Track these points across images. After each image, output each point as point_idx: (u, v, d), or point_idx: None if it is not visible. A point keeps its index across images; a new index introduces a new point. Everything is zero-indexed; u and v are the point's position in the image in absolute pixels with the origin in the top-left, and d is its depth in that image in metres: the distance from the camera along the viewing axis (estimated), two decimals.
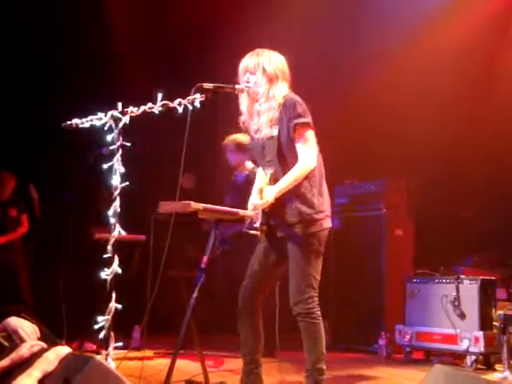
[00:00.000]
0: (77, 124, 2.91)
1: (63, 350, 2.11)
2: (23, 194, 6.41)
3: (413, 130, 6.36)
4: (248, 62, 3.27)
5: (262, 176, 3.31)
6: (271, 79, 3.22)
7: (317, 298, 3.20)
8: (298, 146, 3.19)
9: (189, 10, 6.80)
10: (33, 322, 2.70)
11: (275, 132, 3.23)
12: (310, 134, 3.20)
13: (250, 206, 3.30)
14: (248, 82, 3.24)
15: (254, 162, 5.14)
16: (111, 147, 2.85)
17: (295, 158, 3.19)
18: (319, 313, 3.20)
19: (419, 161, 6.39)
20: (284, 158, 3.24)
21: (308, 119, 3.20)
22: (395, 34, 6.33)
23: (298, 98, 3.23)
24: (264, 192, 3.15)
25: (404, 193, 5.84)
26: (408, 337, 5.08)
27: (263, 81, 3.22)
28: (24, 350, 2.21)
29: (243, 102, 3.31)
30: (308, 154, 3.17)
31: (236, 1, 6.94)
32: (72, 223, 5.75)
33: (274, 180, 3.20)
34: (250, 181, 4.93)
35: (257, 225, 3.26)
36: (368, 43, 6.51)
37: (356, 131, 6.59)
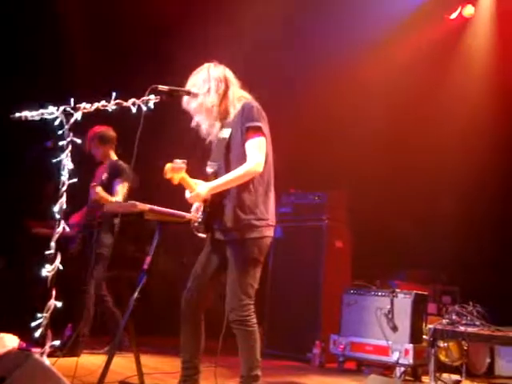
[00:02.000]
0: (26, 116, 2.85)
1: (10, 340, 2.08)
2: None
3: (358, 142, 6.52)
4: (192, 78, 3.35)
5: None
6: (208, 91, 3.28)
7: (252, 306, 3.21)
8: (247, 148, 3.20)
9: (151, 9, 6.76)
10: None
11: (226, 134, 3.27)
12: (262, 140, 3.22)
13: (193, 207, 3.32)
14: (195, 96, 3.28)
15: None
16: (61, 142, 2.81)
17: (240, 162, 3.20)
18: (255, 320, 3.21)
19: (361, 173, 6.56)
20: (228, 159, 3.24)
21: (261, 124, 3.23)
22: (345, 47, 6.49)
23: (256, 104, 3.29)
24: (196, 185, 3.16)
25: (345, 205, 5.98)
26: (342, 347, 5.19)
27: (200, 96, 3.28)
28: None
29: (202, 122, 3.35)
30: (255, 157, 3.18)
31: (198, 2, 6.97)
32: (10, 216, 5.60)
33: (214, 180, 3.23)
34: (114, 172, 5.06)
35: (198, 221, 3.26)
36: (318, 55, 6.64)
37: (303, 142, 6.71)
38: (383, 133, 6.52)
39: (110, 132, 5.26)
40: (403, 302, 4.92)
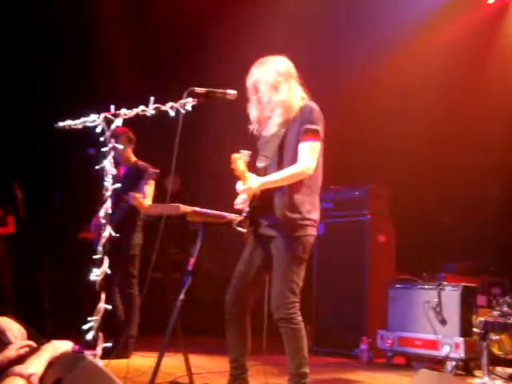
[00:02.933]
0: (69, 125, 2.91)
1: (64, 345, 2.13)
2: (8, 194, 6.37)
3: (398, 137, 6.44)
4: (251, 77, 3.33)
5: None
6: (273, 88, 3.27)
7: (298, 304, 3.22)
8: (301, 149, 3.22)
9: (178, 11, 6.84)
10: (18, 323, 2.70)
11: (281, 132, 3.28)
12: (317, 145, 3.25)
13: (238, 199, 3.33)
14: (259, 97, 3.30)
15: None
16: (102, 149, 2.86)
17: (293, 161, 3.22)
18: (300, 318, 3.21)
19: (402, 167, 6.47)
20: (281, 157, 3.27)
21: (319, 128, 3.25)
22: (382, 41, 6.42)
23: (315, 106, 3.29)
24: (250, 179, 3.17)
25: (387, 199, 5.92)
26: (390, 342, 5.14)
27: (265, 91, 3.28)
28: (11, 352, 2.20)
29: (252, 112, 3.36)
30: (308, 160, 3.21)
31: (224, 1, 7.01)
32: (57, 223, 5.74)
33: (263, 175, 3.25)
34: (132, 174, 5.09)
35: (244, 215, 3.28)
36: (356, 51, 6.59)
37: (341, 136, 6.66)
38: (425, 126, 6.42)
39: (132, 134, 5.30)
40: (451, 295, 4.84)
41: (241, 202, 3.32)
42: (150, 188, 5.08)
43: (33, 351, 2.12)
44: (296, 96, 3.31)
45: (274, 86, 3.27)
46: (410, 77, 6.43)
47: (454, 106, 6.50)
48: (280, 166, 3.26)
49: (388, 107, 6.53)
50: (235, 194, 3.37)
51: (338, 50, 6.71)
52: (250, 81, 3.35)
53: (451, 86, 6.39)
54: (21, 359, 2.13)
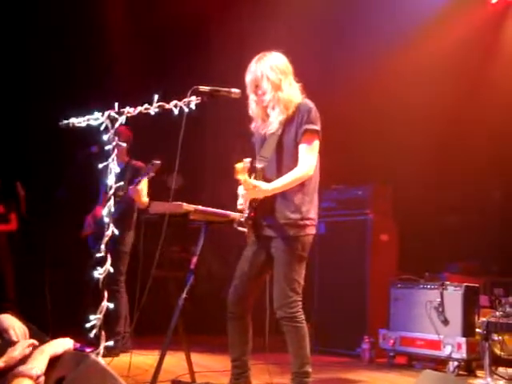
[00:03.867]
0: (73, 123, 2.91)
1: (64, 342, 2.13)
2: (11, 192, 6.37)
3: (400, 135, 6.43)
4: (252, 74, 3.30)
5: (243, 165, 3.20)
6: (277, 85, 3.26)
7: (300, 303, 3.24)
8: (302, 151, 3.23)
9: (180, 10, 6.83)
10: (20, 321, 2.70)
11: (278, 130, 3.28)
12: (316, 143, 3.26)
13: (240, 200, 3.32)
14: (260, 95, 3.28)
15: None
16: (106, 147, 2.85)
17: (291, 162, 3.23)
18: (303, 317, 3.24)
19: (405, 166, 6.46)
20: (280, 157, 3.27)
21: (318, 127, 3.26)
22: (388, 41, 6.41)
23: (312, 105, 3.29)
24: (258, 184, 3.15)
25: (390, 198, 5.91)
26: (392, 341, 5.13)
27: (268, 88, 3.26)
28: (16, 353, 2.21)
29: (253, 109, 3.35)
30: (309, 161, 3.23)
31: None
32: (59, 220, 5.74)
33: (261, 176, 3.24)
34: (127, 171, 5.09)
35: (244, 216, 3.28)
36: (362, 50, 6.57)
37: (344, 135, 6.65)
38: (428, 125, 6.40)
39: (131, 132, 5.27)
40: (454, 295, 4.82)
41: (241, 202, 3.31)
42: (144, 185, 5.08)
43: (35, 348, 2.12)
44: (295, 93, 3.31)
45: (277, 83, 3.27)
46: (413, 76, 6.42)
47: (458, 105, 6.48)
48: (279, 166, 3.26)
49: (391, 106, 6.51)
50: (236, 193, 3.37)
51: (343, 50, 6.69)
52: (249, 77, 3.33)
53: (455, 85, 6.37)
54: (25, 358, 2.13)
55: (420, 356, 5.05)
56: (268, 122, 3.32)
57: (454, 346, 4.67)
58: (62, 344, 2.21)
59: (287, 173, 3.22)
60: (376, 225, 5.71)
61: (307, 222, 3.26)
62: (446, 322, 4.80)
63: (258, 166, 3.28)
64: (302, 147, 3.23)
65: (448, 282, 4.96)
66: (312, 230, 3.30)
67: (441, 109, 6.48)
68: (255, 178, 3.22)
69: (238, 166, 3.11)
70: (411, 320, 5.08)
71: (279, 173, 3.24)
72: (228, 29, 7.01)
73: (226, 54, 7.03)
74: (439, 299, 4.86)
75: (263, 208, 3.26)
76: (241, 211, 3.32)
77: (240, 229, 3.32)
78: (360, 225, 5.74)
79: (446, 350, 4.70)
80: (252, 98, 3.33)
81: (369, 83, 6.45)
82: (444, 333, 4.78)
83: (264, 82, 3.27)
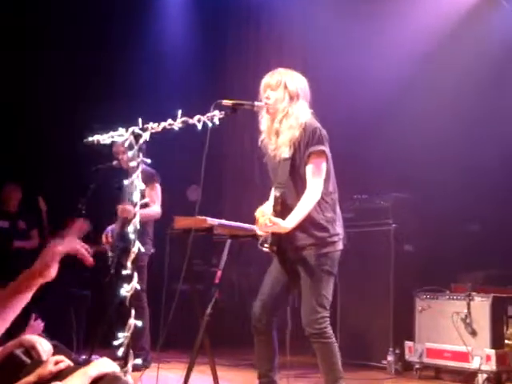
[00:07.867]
0: (98, 140, 2.90)
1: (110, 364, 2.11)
2: (32, 207, 6.38)
3: (423, 143, 6.34)
4: (270, 79, 3.28)
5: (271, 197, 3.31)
6: (292, 97, 3.24)
7: (328, 318, 3.23)
8: (308, 175, 3.22)
9: None
10: (44, 337, 2.69)
11: (287, 153, 3.24)
12: (323, 165, 3.23)
13: (261, 219, 3.29)
14: (268, 99, 3.24)
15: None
16: (131, 164, 2.84)
17: (305, 183, 3.22)
18: (331, 332, 3.23)
19: (428, 174, 6.37)
20: (295, 181, 3.26)
21: (324, 147, 3.23)
22: (406, 44, 6.35)
23: (318, 125, 3.26)
24: (277, 222, 3.11)
25: (413, 207, 5.83)
26: (418, 353, 5.05)
27: (284, 97, 3.23)
28: (51, 366, 2.20)
29: (263, 122, 3.33)
30: (316, 184, 3.20)
31: None
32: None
33: (280, 203, 3.22)
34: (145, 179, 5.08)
35: (267, 244, 3.27)
36: (379, 53, 6.52)
37: (366, 144, 6.59)
38: (450, 135, 6.31)
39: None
40: (481, 306, 4.74)
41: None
42: (155, 193, 5.05)
43: (76, 367, 2.11)
44: (305, 113, 3.28)
45: (292, 95, 3.23)
46: (435, 86, 6.35)
47: (482, 110, 6.38)
48: (297, 192, 3.24)
49: (413, 116, 6.44)
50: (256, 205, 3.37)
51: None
52: (266, 79, 3.29)
53: (480, 87, 6.26)
54: (62, 375, 2.13)
55: (448, 368, 4.96)
56: (277, 144, 3.29)
57: (482, 358, 4.58)
58: (107, 367, 2.18)
59: None
60: (399, 235, 5.63)
61: (335, 239, 3.26)
62: (473, 333, 4.72)
63: (277, 194, 3.24)
64: (309, 171, 3.22)
65: (474, 293, 4.88)
66: (340, 246, 3.30)
67: (464, 119, 6.38)
68: (274, 206, 3.20)
69: (258, 214, 3.22)
70: (437, 331, 5.00)
71: (299, 198, 3.22)
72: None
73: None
74: (466, 310, 4.78)
75: (286, 234, 3.20)
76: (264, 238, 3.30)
77: (265, 249, 3.30)
78: (382, 235, 5.67)
79: (475, 363, 4.61)
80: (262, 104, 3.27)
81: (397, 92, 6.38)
82: (472, 344, 4.69)
83: (281, 88, 3.24)
